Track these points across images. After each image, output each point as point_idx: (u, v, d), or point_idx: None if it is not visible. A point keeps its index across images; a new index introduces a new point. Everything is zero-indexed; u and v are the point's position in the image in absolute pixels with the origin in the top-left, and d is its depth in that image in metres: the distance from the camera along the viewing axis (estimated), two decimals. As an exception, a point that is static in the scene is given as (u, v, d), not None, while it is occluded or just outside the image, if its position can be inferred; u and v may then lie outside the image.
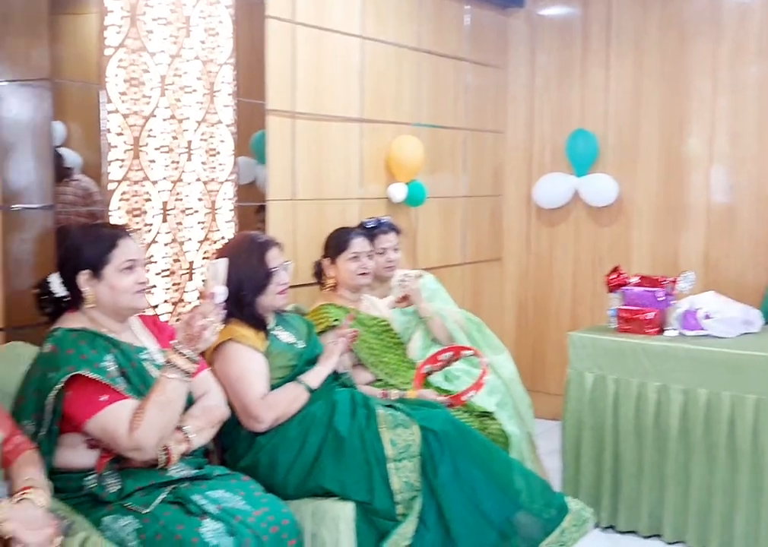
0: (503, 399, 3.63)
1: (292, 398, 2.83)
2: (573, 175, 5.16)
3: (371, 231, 3.69)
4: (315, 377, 2.91)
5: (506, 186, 5.51)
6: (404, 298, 3.73)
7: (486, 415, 3.40)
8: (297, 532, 2.43)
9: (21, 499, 1.99)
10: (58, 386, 2.25)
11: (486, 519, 2.74)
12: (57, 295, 2.47)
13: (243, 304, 2.86)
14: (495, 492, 2.80)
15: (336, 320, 3.29)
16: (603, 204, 5.11)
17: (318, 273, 3.58)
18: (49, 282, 2.47)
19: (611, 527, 3.75)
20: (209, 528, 2.24)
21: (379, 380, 3.40)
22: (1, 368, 2.50)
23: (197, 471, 2.47)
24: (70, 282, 2.44)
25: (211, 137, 3.29)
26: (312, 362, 3.00)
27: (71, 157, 2.82)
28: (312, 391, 2.87)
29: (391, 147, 4.37)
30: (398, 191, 4.36)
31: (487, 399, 3.50)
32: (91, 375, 2.27)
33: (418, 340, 3.74)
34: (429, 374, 3.47)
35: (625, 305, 3.83)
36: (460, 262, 5.11)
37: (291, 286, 3.08)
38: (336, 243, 3.53)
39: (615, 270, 3.95)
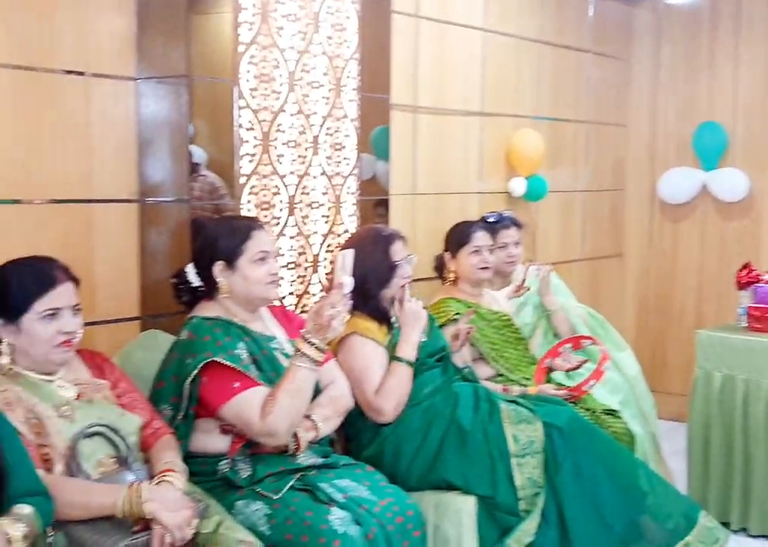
0: (626, 398, 3.56)
1: (400, 379, 2.79)
2: (701, 169, 5.01)
3: (492, 225, 3.67)
4: (408, 349, 2.83)
5: (627, 180, 5.40)
6: (521, 288, 3.69)
7: (610, 413, 3.33)
8: (421, 523, 2.44)
9: (161, 481, 2.06)
10: (195, 372, 2.33)
11: (607, 521, 2.69)
12: (193, 285, 2.56)
13: (367, 297, 2.87)
14: (618, 493, 2.75)
15: (457, 313, 3.29)
16: (733, 199, 4.95)
17: (440, 267, 3.59)
18: (185, 272, 2.56)
19: (743, 530, 3.64)
20: (337, 516, 2.27)
21: (500, 375, 3.39)
22: (140, 354, 2.60)
23: (324, 459, 2.51)
24: (205, 273, 2.52)
25: (336, 131, 3.33)
26: (433, 354, 3.00)
27: (198, 153, 2.90)
28: (412, 364, 2.82)
29: (512, 141, 4.33)
30: (519, 186, 4.32)
31: (609, 398, 3.44)
32: (226, 362, 2.34)
33: (540, 336, 3.70)
34: (550, 369, 3.42)
35: (756, 303, 3.70)
36: (579, 258, 5.03)
37: (412, 280, 3.08)
38: (458, 237, 3.52)
39: (746, 266, 3.82)
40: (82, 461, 2.04)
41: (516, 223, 3.80)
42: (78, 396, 2.14)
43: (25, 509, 1.77)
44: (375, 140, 3.57)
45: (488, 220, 3.71)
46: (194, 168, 2.88)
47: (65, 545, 1.93)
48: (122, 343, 2.70)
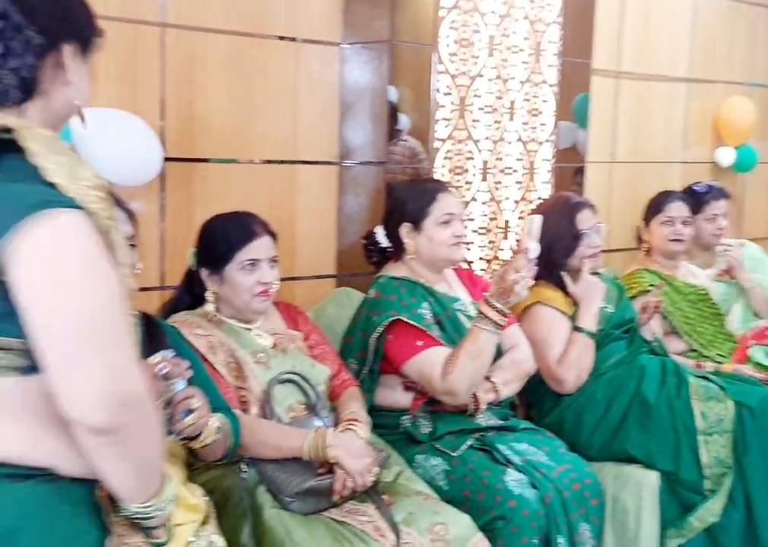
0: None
1: (582, 349, 2.76)
2: None
3: (701, 196, 3.53)
4: (589, 319, 2.78)
5: None
6: (727, 272, 3.54)
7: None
8: (599, 492, 2.44)
9: (346, 429, 2.17)
10: (380, 328, 2.42)
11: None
12: (382, 246, 2.65)
13: (553, 265, 2.83)
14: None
15: (651, 285, 3.21)
16: None
17: (638, 236, 3.50)
18: (375, 234, 2.65)
19: None
20: (513, 477, 2.31)
21: (693, 350, 3.28)
22: (333, 310, 2.74)
23: (503, 422, 2.55)
24: (393, 234, 2.60)
25: (534, 97, 3.31)
26: (620, 325, 2.94)
27: (402, 119, 2.97)
28: (593, 335, 2.78)
29: (721, 109, 4.14)
30: (726, 156, 4.13)
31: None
32: (410, 321, 2.41)
33: (738, 312, 3.53)
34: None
35: None
36: (791, 233, 4.75)
37: (604, 251, 3.02)
38: (652, 205, 3.42)
39: None
40: (275, 405, 2.17)
41: (726, 195, 3.63)
42: (274, 345, 2.28)
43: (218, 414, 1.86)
44: (577, 106, 3.51)
45: (697, 191, 3.56)
46: (396, 133, 2.95)
47: (256, 481, 2.07)
48: (318, 298, 2.84)
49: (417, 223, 2.55)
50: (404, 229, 2.56)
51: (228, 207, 2.33)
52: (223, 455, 1.84)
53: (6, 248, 1.06)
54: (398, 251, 2.61)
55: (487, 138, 3.17)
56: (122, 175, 2.35)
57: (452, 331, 2.50)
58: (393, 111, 2.91)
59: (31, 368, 1.12)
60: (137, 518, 1.24)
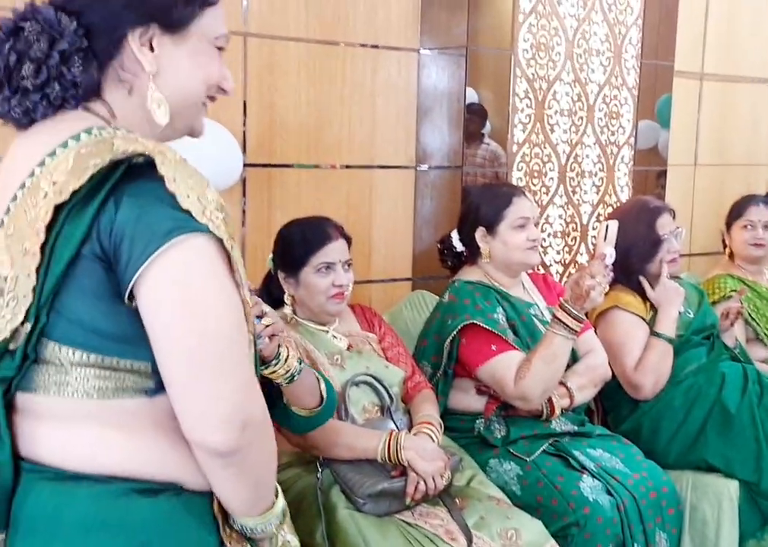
0: None
1: (660, 355, 2.71)
2: None
3: None
4: (668, 324, 2.74)
5: None
6: None
7: None
8: (677, 501, 2.41)
9: (419, 432, 2.19)
10: (454, 332, 2.44)
11: None
12: (457, 250, 2.66)
13: (630, 270, 2.80)
14: None
15: (733, 290, 3.14)
16: None
17: (724, 241, 3.43)
18: (450, 238, 2.67)
19: None
20: (588, 484, 2.30)
21: (777, 358, 3.20)
22: (408, 313, 2.76)
23: (578, 427, 2.53)
24: (468, 238, 2.60)
25: (612, 100, 3.28)
26: (700, 331, 2.89)
27: (485, 122, 2.98)
28: (672, 341, 2.73)
29: (812, 110, 4.02)
30: (816, 158, 4.01)
31: None
32: (484, 325, 2.42)
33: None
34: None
35: None
36: None
37: (685, 255, 2.98)
38: (734, 209, 3.36)
39: None
40: (350, 406, 2.19)
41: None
42: (349, 346, 2.31)
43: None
44: (660, 108, 3.47)
45: None
46: (478, 136, 2.96)
47: (330, 481, 2.10)
48: (393, 301, 2.88)
49: (491, 227, 2.55)
50: (479, 233, 2.57)
51: (306, 211, 2.37)
52: (317, 405, 1.72)
53: (139, 275, 1.07)
54: (473, 255, 2.62)
55: (564, 141, 3.16)
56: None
57: (527, 336, 2.50)
58: (480, 114, 2.92)
59: (159, 389, 1.14)
60: (248, 531, 1.24)
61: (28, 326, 1.12)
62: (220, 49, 1.26)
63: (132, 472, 1.15)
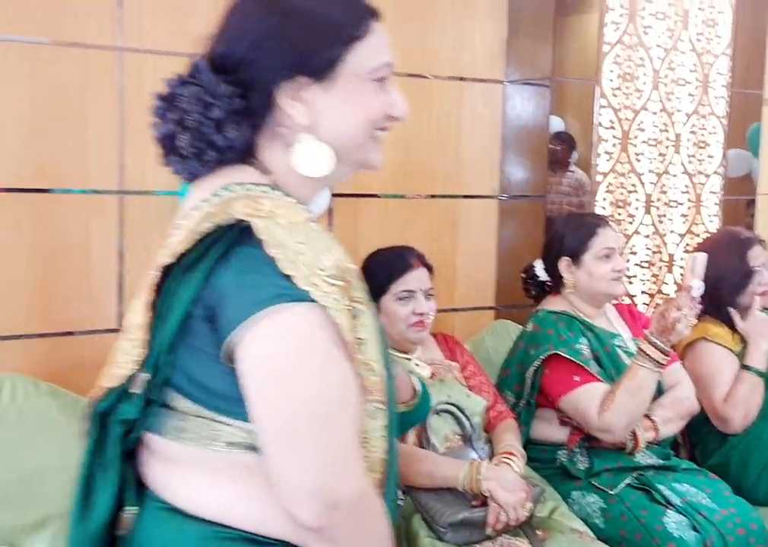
0: None
1: (750, 388, 2.65)
2: None
3: None
4: (758, 357, 2.68)
5: None
6: None
7: None
8: (766, 539, 2.34)
9: (500, 462, 2.18)
10: (537, 362, 2.43)
11: None
12: (541, 279, 2.66)
13: (720, 302, 2.75)
14: None
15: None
16: None
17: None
18: (534, 267, 2.67)
19: None
20: (673, 519, 2.26)
21: None
22: (491, 342, 2.78)
23: (663, 461, 2.49)
24: (552, 268, 2.60)
25: (701, 129, 3.25)
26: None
27: (572, 150, 2.99)
28: (762, 374, 2.66)
29: None
30: None
31: None
32: (567, 356, 2.41)
33: None
34: None
35: None
36: None
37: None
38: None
39: None
40: (431, 435, 2.20)
41: None
42: (432, 375, 2.33)
43: None
44: (751, 136, 3.42)
45: None
46: (566, 164, 2.97)
47: (412, 509, 2.12)
48: (476, 329, 2.89)
49: (576, 257, 2.55)
50: (563, 263, 2.57)
51: (391, 240, 2.41)
52: (409, 399, 1.67)
53: (236, 340, 1.08)
54: (556, 285, 2.62)
55: (650, 171, 3.14)
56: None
57: (611, 367, 2.48)
58: (567, 142, 2.94)
59: None
60: None
61: (146, 376, 1.16)
62: (381, 79, 1.22)
63: (238, 522, 1.15)
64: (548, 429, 2.52)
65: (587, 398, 2.36)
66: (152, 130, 1.19)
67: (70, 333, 2.38)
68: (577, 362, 2.41)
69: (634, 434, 2.41)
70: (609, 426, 2.33)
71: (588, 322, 2.55)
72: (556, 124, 2.95)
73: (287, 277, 1.07)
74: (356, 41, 1.18)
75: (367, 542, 1.14)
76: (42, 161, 2.31)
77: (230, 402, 1.13)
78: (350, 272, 1.14)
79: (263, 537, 1.15)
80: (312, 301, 1.07)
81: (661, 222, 3.18)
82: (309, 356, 1.08)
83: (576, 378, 2.39)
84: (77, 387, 2.21)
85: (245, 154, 1.19)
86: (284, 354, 1.08)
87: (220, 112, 1.14)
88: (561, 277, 2.58)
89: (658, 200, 3.17)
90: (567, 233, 2.57)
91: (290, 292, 1.07)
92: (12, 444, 2.08)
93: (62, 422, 2.13)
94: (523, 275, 2.72)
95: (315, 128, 1.18)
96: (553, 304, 2.60)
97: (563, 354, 2.41)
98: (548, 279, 2.64)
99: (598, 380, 2.40)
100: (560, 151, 2.96)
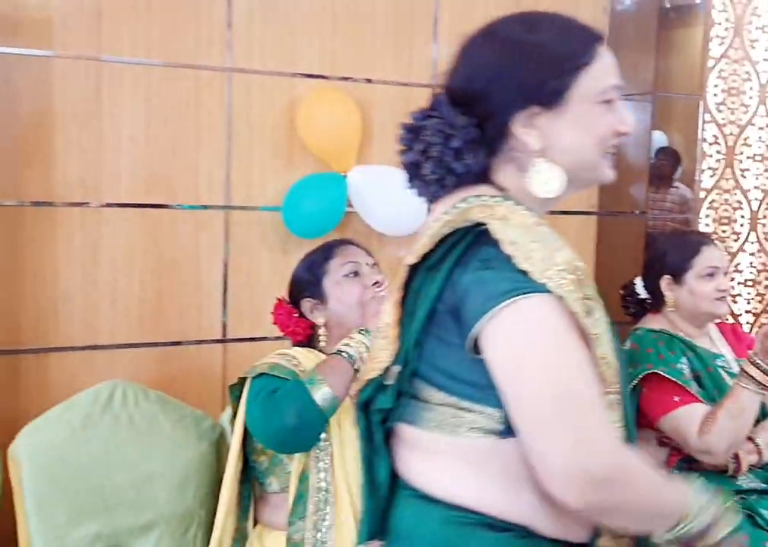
0: None
1: None
2: None
3: None
4: None
5: None
6: None
7: None
8: None
9: None
10: (636, 381, 2.41)
11: None
12: (640, 297, 2.64)
13: None
14: None
15: None
16: None
17: None
18: (634, 285, 2.65)
19: None
20: (779, 544, 2.21)
21: None
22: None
23: (766, 485, 2.44)
24: (653, 286, 2.58)
25: (810, 144, 3.16)
26: None
27: (677, 166, 2.95)
28: None
29: None
30: None
31: None
32: (667, 375, 2.38)
33: None
34: None
35: None
36: None
37: None
38: None
39: None
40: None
41: None
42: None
43: None
44: None
45: None
46: (670, 180, 2.94)
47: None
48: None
49: (678, 276, 2.52)
50: (665, 282, 2.53)
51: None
52: None
53: (478, 331, 1.17)
54: (657, 303, 2.58)
55: (756, 187, 3.07)
56: (395, 226, 2.55)
57: (713, 388, 2.43)
58: (673, 157, 2.90)
59: (510, 431, 1.19)
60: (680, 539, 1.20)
61: (397, 368, 1.28)
62: (609, 101, 1.28)
63: (478, 506, 1.22)
64: (646, 449, 2.48)
65: (687, 419, 2.32)
66: (400, 157, 1.30)
67: (178, 343, 2.48)
68: (677, 381, 2.37)
69: (737, 457, 2.36)
70: (710, 449, 2.28)
71: (689, 341, 2.51)
72: (660, 139, 2.92)
73: (524, 272, 1.15)
74: (583, 68, 1.25)
75: (639, 506, 1.17)
76: (156, 178, 2.42)
77: (474, 387, 1.21)
78: (580, 269, 1.20)
79: (503, 522, 1.21)
80: (549, 292, 1.14)
81: (767, 239, 3.11)
82: (550, 342, 1.14)
83: (676, 398, 2.36)
84: (182, 395, 2.30)
85: (481, 177, 1.28)
86: (525, 342, 1.14)
87: (458, 142, 1.24)
88: (662, 296, 2.55)
89: (765, 217, 3.09)
90: (670, 251, 2.55)
91: (527, 284, 1.14)
92: (125, 448, 2.18)
93: (168, 430, 2.22)
94: (622, 292, 2.70)
95: (548, 151, 1.26)
96: (652, 322, 2.57)
97: (662, 373, 2.38)
98: (648, 296, 2.61)
99: (699, 401, 2.36)
100: (666, 166, 2.93)
